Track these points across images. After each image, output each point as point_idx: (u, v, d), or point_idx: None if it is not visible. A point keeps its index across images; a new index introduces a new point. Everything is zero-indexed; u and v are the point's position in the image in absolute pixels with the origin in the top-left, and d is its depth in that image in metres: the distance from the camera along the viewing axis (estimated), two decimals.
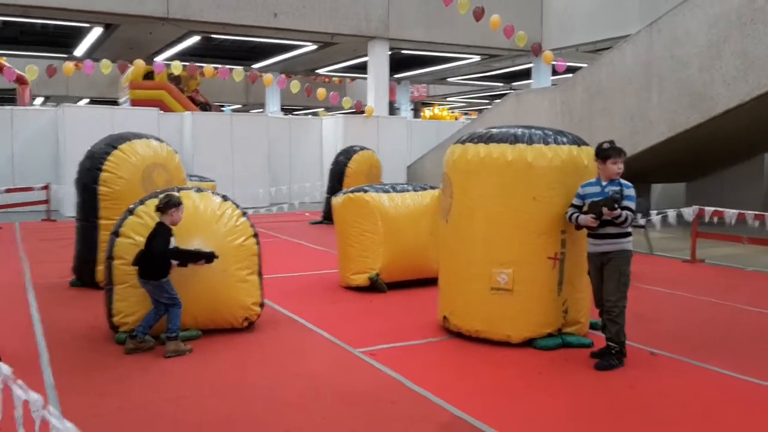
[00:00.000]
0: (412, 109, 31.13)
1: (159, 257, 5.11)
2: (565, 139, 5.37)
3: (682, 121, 11.52)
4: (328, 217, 13.94)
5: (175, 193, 5.44)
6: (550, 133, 5.40)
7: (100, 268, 7.24)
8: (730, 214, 8.67)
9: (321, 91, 18.50)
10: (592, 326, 5.62)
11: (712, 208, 8.93)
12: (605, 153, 4.89)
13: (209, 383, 4.54)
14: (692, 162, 13.72)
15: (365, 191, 7.43)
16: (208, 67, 18.56)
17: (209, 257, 5.31)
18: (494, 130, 5.49)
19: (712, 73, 10.88)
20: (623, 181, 4.95)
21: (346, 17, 18.31)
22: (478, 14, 15.15)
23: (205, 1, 16.85)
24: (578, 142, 5.45)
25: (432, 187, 7.92)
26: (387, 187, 7.67)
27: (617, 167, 4.88)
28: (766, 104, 10.49)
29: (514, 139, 5.30)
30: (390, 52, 19.59)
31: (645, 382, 4.49)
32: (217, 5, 17.02)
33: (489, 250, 5.33)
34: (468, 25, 18.15)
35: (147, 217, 5.48)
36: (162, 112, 17.72)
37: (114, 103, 24.28)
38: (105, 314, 5.51)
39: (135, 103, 20.72)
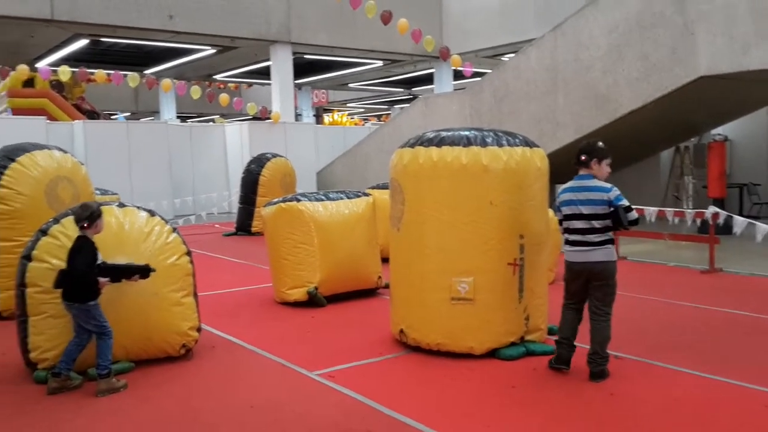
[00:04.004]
0: (314, 115, 30.67)
1: (84, 276, 4.48)
2: (517, 141, 5.22)
3: (588, 122, 11.86)
4: (242, 228, 13.34)
5: (93, 203, 4.82)
6: (502, 134, 5.24)
7: (2, 296, 6.48)
8: (650, 211, 8.93)
9: (224, 97, 17.74)
10: (551, 332, 5.51)
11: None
12: (604, 153, 4.71)
13: (154, 424, 4.01)
14: None
15: (298, 200, 7.00)
16: (100, 73, 17.32)
17: (144, 271, 4.73)
18: (444, 133, 5.26)
19: (616, 76, 11.25)
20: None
21: (247, 20, 17.66)
22: (386, 18, 15.00)
23: (93, 2, 15.70)
24: (529, 143, 5.32)
25: (365, 194, 7.62)
26: (320, 194, 7.28)
27: (609, 169, 4.74)
28: (667, 105, 10.97)
29: (467, 142, 5.09)
30: (292, 57, 19.13)
31: (622, 388, 4.38)
32: (106, 6, 15.89)
33: (446, 259, 5.08)
34: (371, 29, 17.99)
35: (64, 237, 4.83)
36: (49, 121, 16.37)
37: None
38: (19, 349, 4.82)
39: (15, 112, 19.04)
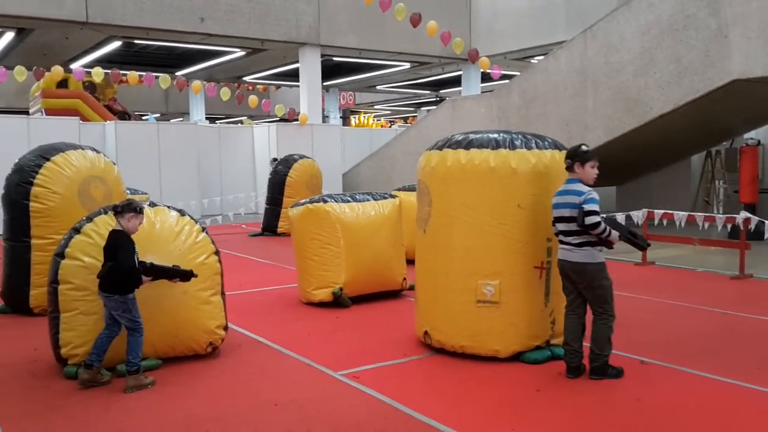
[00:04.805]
0: (340, 117, 30.79)
1: (127, 272, 4.56)
2: (546, 143, 5.20)
3: (617, 125, 11.72)
4: (268, 228, 13.44)
5: (139, 203, 4.90)
6: (531, 137, 5.22)
7: (34, 293, 6.62)
8: (680, 216, 8.80)
9: (253, 99, 17.91)
10: None
11: (662, 211, 9.04)
12: (586, 156, 4.70)
13: (181, 421, 4.06)
14: (625, 166, 14.04)
15: (325, 201, 7.05)
16: (133, 74, 17.59)
17: (186, 276, 4.82)
18: (472, 136, 5.25)
19: (647, 79, 11.12)
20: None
21: (276, 23, 17.81)
22: (416, 21, 15.01)
23: (127, 5, 15.96)
24: (559, 146, 5.29)
25: (392, 195, 7.63)
26: (347, 196, 7.31)
27: (596, 171, 4.72)
28: (699, 108, 10.80)
29: (496, 144, 5.08)
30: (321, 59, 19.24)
31: (649, 394, 4.33)
32: (139, 9, 16.16)
33: (472, 261, 5.07)
34: (400, 32, 18.02)
35: (96, 236, 4.93)
36: (82, 121, 16.68)
37: (24, 113, 22.73)
38: (50, 345, 4.92)
39: (49, 112, 19.43)
